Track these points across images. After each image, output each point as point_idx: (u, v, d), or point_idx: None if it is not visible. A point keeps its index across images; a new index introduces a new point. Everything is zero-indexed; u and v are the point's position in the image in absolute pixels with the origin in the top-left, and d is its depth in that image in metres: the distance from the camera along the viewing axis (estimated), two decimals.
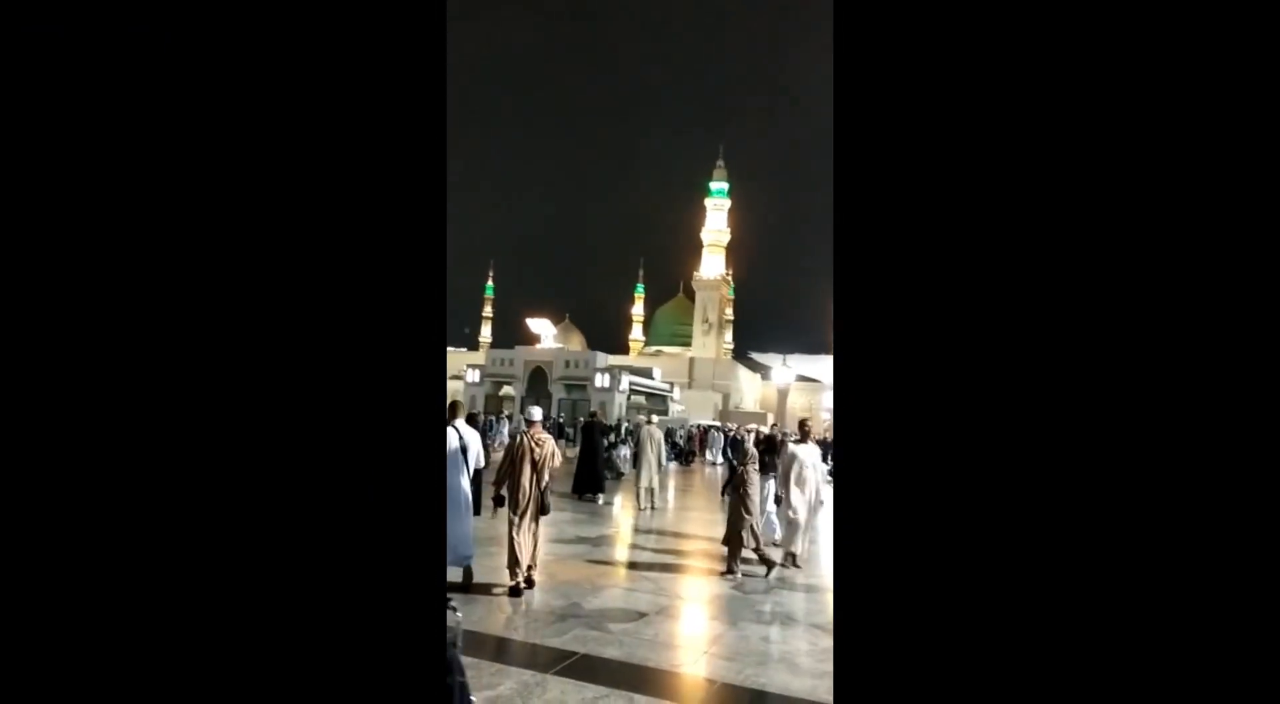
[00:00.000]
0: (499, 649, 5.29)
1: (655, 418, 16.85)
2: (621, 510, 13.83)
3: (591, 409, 27.79)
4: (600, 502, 14.57)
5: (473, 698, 1.91)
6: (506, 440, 22.83)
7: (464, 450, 6.69)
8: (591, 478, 14.93)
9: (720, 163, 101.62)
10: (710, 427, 31.84)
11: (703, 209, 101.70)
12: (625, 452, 21.49)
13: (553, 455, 7.23)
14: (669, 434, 26.70)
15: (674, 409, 62.10)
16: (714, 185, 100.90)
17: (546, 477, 7.18)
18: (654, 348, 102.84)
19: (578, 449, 16.11)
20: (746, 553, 8.72)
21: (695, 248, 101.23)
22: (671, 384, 66.57)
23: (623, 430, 25.21)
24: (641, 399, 60.28)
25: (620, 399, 54.68)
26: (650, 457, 14.84)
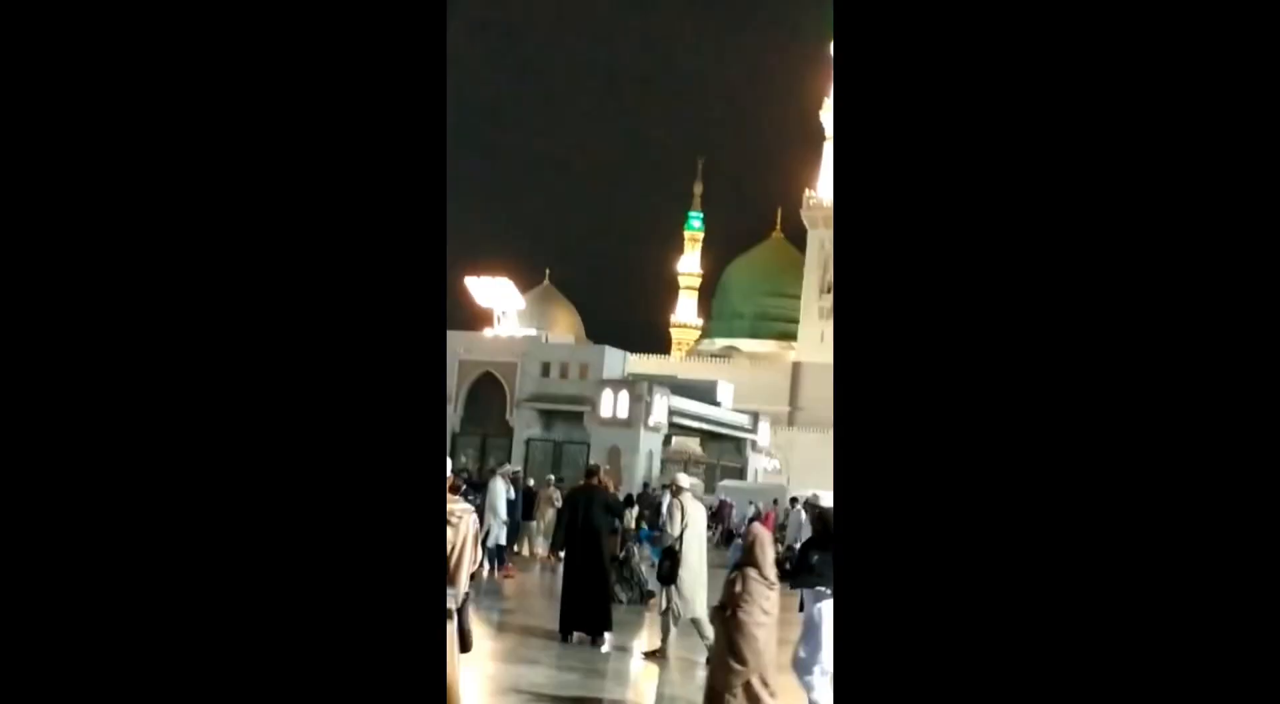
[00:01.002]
0: None
1: (685, 479, 10.02)
2: (646, 672, 8.38)
3: (592, 462, 17.02)
4: (605, 648, 8.91)
5: None
6: None
7: None
8: (589, 602, 9.15)
9: None
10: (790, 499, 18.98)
11: (822, 61, 61.88)
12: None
13: (473, 540, 4.62)
14: (718, 512, 18.54)
15: (758, 465, 42.85)
16: None
17: (464, 578, 4.54)
18: (721, 342, 68.78)
19: (557, 541, 10.98)
20: None
21: (810, 142, 64.54)
22: (755, 414, 43.09)
23: (662, 507, 14.34)
24: (694, 444, 42.45)
25: (651, 443, 35.87)
26: (694, 556, 8.63)
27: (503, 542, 14.00)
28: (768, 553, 5.95)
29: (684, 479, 10.33)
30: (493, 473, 14.76)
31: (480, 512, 13.66)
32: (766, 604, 5.75)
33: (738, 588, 5.83)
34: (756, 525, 6.97)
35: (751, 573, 5.81)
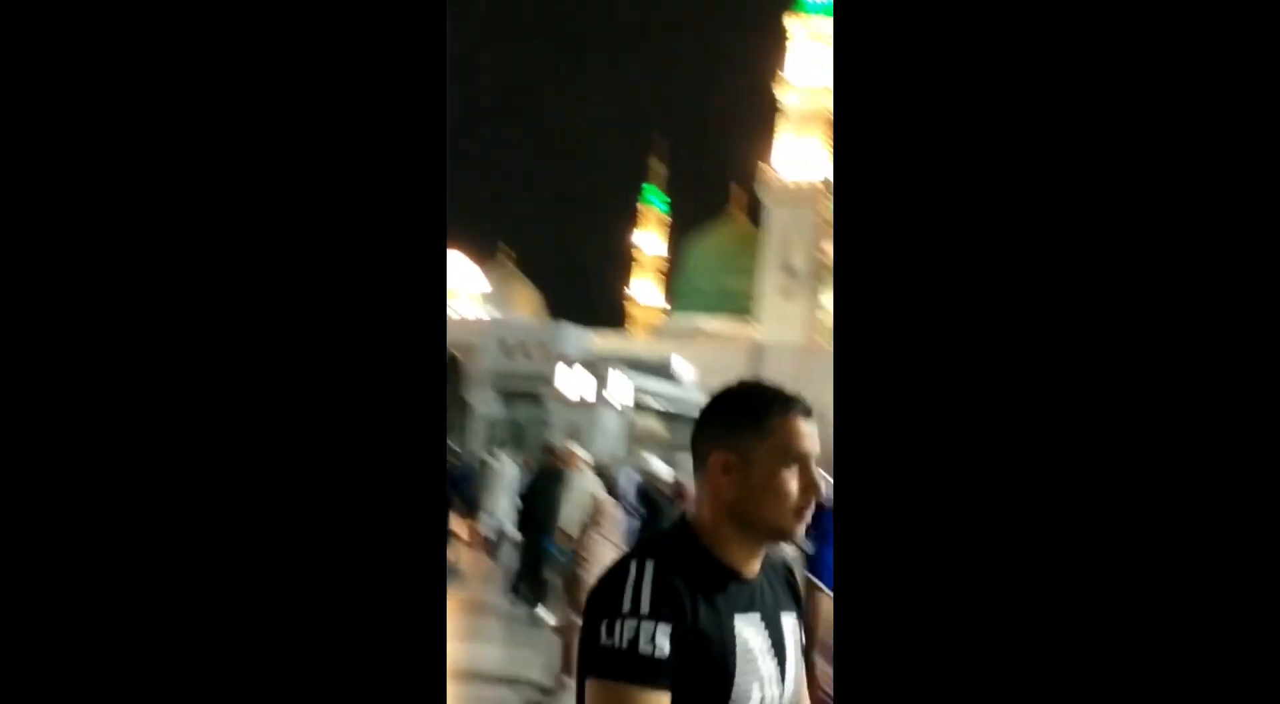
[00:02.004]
0: None
1: (583, 451, 9.50)
2: None
3: (550, 441, 17.04)
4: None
5: None
6: None
7: None
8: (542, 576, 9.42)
9: None
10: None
11: (779, 41, 61.20)
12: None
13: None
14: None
15: None
16: None
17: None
18: (683, 319, 67.16)
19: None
20: None
21: (764, 115, 62.35)
22: None
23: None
24: (654, 423, 39.22)
25: (615, 422, 35.26)
26: None
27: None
28: (604, 519, 6.32)
29: (581, 451, 9.73)
30: (553, 453, 14.28)
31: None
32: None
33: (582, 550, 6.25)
34: (604, 498, 7.12)
35: (594, 535, 6.13)
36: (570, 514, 8.34)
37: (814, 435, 1.36)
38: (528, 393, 37.54)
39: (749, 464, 1.30)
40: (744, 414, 1.34)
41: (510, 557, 11.08)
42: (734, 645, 1.26)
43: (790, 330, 57.03)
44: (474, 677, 6.54)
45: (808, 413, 1.39)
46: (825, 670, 4.47)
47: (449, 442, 4.94)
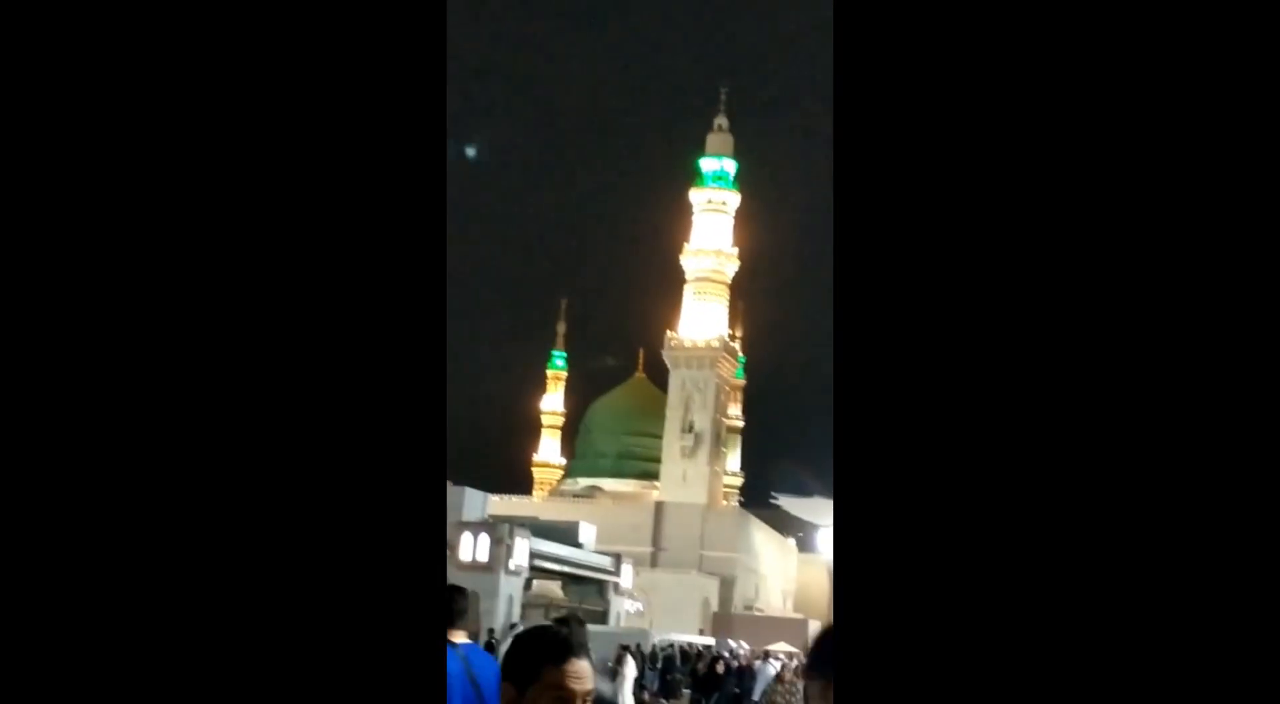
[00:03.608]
0: None
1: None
2: None
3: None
4: None
5: None
6: None
7: None
8: None
9: (721, 122, 63.90)
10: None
11: (684, 209, 63.62)
12: None
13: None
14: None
15: (620, 608, 41.46)
16: (709, 163, 63.75)
17: None
18: (584, 482, 66.62)
19: None
20: None
21: (672, 285, 63.87)
22: (618, 556, 41.79)
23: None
24: (555, 587, 39.59)
25: (512, 587, 34.34)
26: None
27: None
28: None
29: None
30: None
31: None
32: None
33: None
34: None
35: None
36: None
37: (584, 675, 1.61)
38: None
39: (524, 701, 1.59)
40: (523, 660, 1.62)
41: None
42: None
43: (694, 489, 57.38)
44: None
45: (581, 655, 1.64)
46: None
47: None
